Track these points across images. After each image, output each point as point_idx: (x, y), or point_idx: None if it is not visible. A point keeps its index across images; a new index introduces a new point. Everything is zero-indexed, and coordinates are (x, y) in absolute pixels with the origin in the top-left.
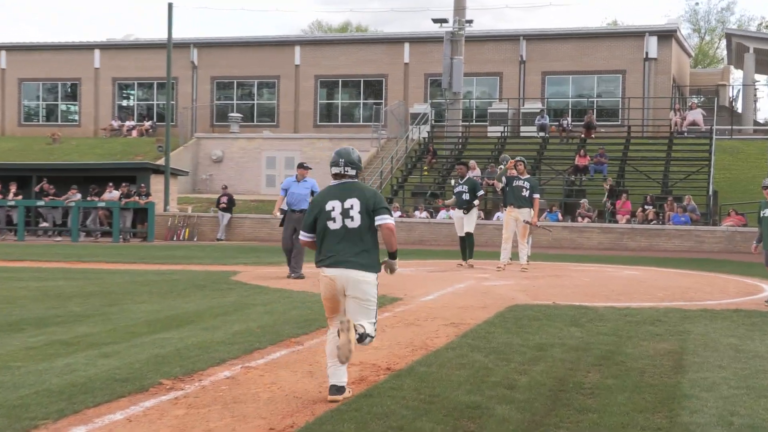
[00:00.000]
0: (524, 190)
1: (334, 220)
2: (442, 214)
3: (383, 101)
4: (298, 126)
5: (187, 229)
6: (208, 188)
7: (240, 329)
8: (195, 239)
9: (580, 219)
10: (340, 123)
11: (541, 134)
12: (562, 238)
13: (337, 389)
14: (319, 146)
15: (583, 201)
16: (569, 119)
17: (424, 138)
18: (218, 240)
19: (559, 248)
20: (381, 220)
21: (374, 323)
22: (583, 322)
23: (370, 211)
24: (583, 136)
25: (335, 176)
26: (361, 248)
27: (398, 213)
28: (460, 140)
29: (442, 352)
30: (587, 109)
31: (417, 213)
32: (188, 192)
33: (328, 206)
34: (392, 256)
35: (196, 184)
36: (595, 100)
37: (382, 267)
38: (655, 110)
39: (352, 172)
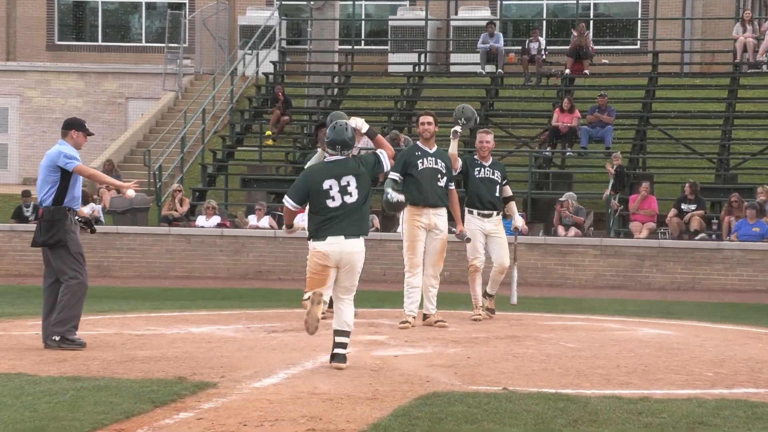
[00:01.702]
0: (497, 179)
1: (333, 198)
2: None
3: (185, 2)
4: (15, 49)
5: None
6: None
7: None
8: None
9: (561, 230)
10: (100, 43)
11: (490, 69)
12: (527, 266)
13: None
14: (58, 86)
15: (567, 197)
16: (541, 41)
17: (266, 75)
18: None
19: (524, 285)
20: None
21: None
22: (559, 426)
23: (368, 181)
24: (567, 71)
25: (332, 152)
26: (358, 219)
27: (216, 218)
28: (336, 81)
29: None
30: (576, 21)
31: (252, 219)
32: None
33: (325, 185)
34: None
35: None
36: (592, 2)
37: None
38: (706, 24)
39: (347, 152)
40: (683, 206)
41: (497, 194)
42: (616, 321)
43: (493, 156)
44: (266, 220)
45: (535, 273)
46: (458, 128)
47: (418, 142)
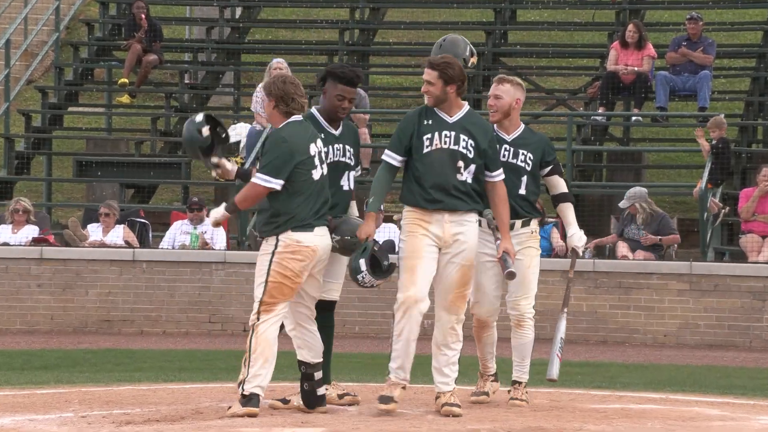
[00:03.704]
0: (525, 165)
1: (316, 167)
2: (207, 228)
3: None
4: None
5: None
6: None
7: None
8: None
9: (623, 248)
10: None
11: None
12: (575, 312)
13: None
14: None
15: (634, 195)
16: None
17: None
18: None
19: (569, 342)
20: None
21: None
22: None
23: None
24: None
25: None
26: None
27: (31, 230)
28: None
29: None
30: None
31: (94, 231)
32: None
33: (312, 150)
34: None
35: None
36: None
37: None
38: None
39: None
40: None
41: (522, 190)
42: (717, 403)
43: (523, 122)
44: (119, 233)
45: (579, 321)
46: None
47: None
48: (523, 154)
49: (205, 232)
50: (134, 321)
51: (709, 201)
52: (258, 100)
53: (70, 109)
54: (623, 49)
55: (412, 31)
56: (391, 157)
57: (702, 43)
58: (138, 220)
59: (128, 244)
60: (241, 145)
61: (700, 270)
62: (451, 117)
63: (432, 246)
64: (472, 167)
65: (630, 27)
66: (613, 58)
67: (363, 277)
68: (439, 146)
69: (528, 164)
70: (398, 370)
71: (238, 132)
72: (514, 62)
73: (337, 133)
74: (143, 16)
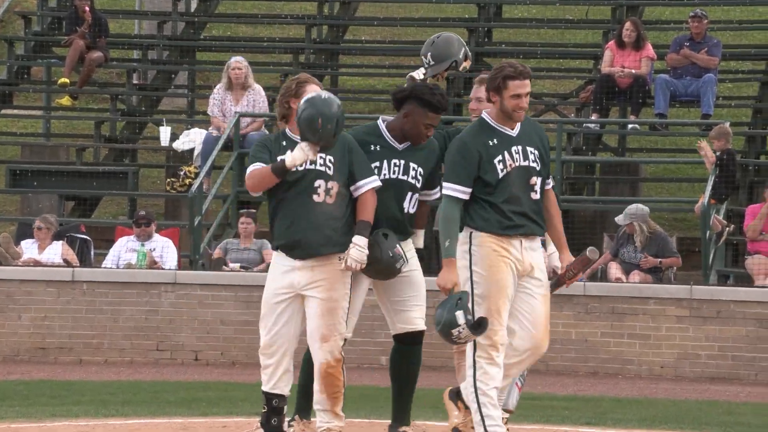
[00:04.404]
0: (533, 173)
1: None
2: (155, 245)
3: None
4: None
5: None
6: None
7: None
8: None
9: (616, 270)
10: None
11: None
12: (552, 337)
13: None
14: None
15: (632, 213)
16: None
17: None
18: None
19: (544, 373)
20: None
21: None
22: None
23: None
24: None
25: None
26: None
27: None
28: None
29: None
30: None
31: (28, 248)
32: None
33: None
34: None
35: None
36: None
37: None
38: None
39: None
40: None
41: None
42: None
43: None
44: (56, 251)
45: (567, 350)
46: (420, 72)
47: (488, 119)
48: (535, 149)
49: (154, 249)
50: (72, 348)
51: (712, 218)
52: (216, 102)
53: (3, 111)
54: (619, 50)
55: (386, 29)
56: (460, 191)
57: (706, 44)
58: (78, 236)
59: (67, 263)
60: (195, 152)
61: (702, 294)
62: (512, 130)
63: (510, 269)
64: (539, 181)
65: (627, 25)
66: (608, 60)
67: (459, 332)
68: (513, 165)
69: (539, 168)
70: (496, 427)
71: (192, 138)
72: (500, 63)
73: (514, 133)
74: (87, 8)
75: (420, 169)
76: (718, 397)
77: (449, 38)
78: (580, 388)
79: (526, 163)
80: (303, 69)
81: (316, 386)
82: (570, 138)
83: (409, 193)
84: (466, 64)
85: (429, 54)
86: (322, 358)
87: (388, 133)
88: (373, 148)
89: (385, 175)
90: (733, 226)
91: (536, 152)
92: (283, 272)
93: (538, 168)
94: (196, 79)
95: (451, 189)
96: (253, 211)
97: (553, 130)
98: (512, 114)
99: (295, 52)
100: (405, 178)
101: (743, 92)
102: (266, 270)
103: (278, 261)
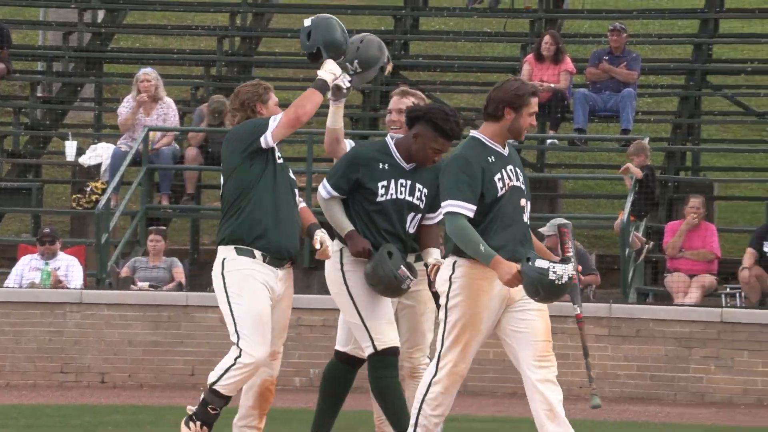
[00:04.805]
0: (522, 194)
1: None
2: (59, 264)
3: None
4: None
5: None
6: None
7: None
8: None
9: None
10: None
11: None
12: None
13: None
14: None
15: (553, 226)
16: None
17: None
18: None
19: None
20: None
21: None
22: None
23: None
24: None
25: None
26: None
27: None
28: None
29: None
30: None
31: None
32: None
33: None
34: None
35: None
36: None
37: None
38: None
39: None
40: None
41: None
42: None
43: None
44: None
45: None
46: (346, 80)
47: (481, 137)
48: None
49: (58, 268)
50: None
51: (632, 235)
52: (126, 111)
53: None
54: (538, 63)
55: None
56: (467, 209)
57: (625, 58)
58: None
59: None
60: (102, 168)
61: (621, 313)
62: (504, 149)
63: (493, 315)
64: (528, 204)
65: (546, 38)
66: (526, 73)
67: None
68: (510, 184)
69: (526, 192)
70: None
71: (99, 153)
72: (416, 76)
73: (506, 152)
74: None
75: (425, 190)
76: (636, 417)
77: (372, 40)
78: (499, 409)
79: (518, 184)
80: (215, 81)
81: (249, 402)
82: None
83: (411, 214)
84: (389, 67)
85: (355, 61)
86: (267, 374)
87: (396, 152)
88: (381, 166)
89: (391, 195)
90: (652, 243)
91: (522, 174)
92: (264, 280)
93: (525, 190)
94: (103, 91)
95: (457, 206)
96: (163, 228)
97: (471, 145)
98: (521, 131)
99: (206, 65)
100: (410, 198)
101: (662, 107)
102: (176, 289)
103: (257, 268)
